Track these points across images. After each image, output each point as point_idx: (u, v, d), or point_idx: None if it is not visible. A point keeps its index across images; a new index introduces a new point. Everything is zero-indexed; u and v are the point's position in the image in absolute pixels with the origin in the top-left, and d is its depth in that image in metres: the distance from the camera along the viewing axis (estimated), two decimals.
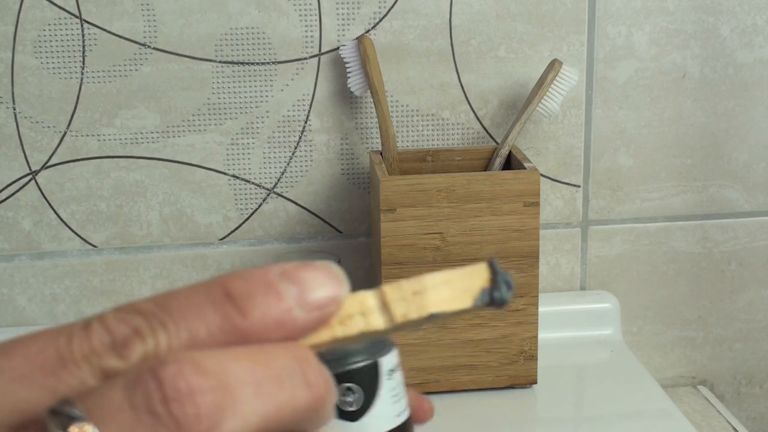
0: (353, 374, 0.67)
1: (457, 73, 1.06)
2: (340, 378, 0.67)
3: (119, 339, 0.27)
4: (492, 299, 0.30)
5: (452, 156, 1.02)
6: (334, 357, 0.61)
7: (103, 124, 1.03)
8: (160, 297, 0.28)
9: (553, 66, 1.01)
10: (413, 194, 0.92)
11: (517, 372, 0.97)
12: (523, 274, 0.95)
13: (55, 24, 1.00)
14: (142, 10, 1.01)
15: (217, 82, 1.03)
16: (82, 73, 1.01)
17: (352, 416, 0.68)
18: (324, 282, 0.29)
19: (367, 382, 0.67)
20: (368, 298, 0.30)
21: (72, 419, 0.25)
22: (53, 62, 1.01)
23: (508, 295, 0.30)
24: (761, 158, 1.11)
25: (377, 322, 0.30)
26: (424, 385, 0.97)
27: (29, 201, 1.04)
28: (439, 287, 0.30)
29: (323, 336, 0.29)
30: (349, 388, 0.68)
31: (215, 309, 0.28)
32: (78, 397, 0.26)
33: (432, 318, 0.30)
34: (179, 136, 1.04)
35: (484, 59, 1.06)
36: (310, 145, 1.06)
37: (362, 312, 0.30)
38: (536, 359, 0.97)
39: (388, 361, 0.68)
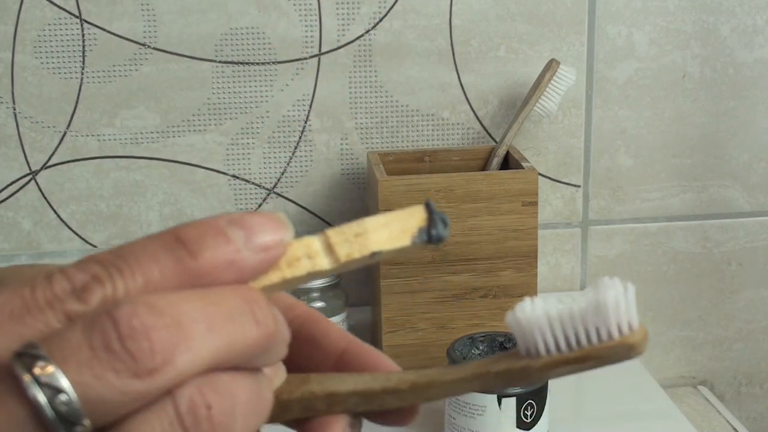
0: None
1: (457, 73, 1.06)
2: None
3: (79, 285, 0.29)
4: (429, 237, 0.32)
5: (450, 156, 1.02)
6: None
7: (103, 124, 1.03)
8: (116, 247, 0.30)
9: (551, 66, 1.01)
10: (412, 194, 0.92)
11: None
12: (521, 274, 0.95)
13: (55, 24, 1.00)
14: (142, 10, 1.01)
15: (217, 82, 1.03)
16: (82, 73, 1.02)
17: None
18: (270, 227, 0.31)
19: None
20: (313, 241, 0.32)
21: (36, 359, 0.27)
22: (53, 62, 1.01)
23: (445, 233, 0.32)
24: (761, 158, 1.11)
25: (323, 262, 0.32)
26: None
27: (29, 201, 1.04)
28: (379, 229, 0.33)
29: (273, 278, 0.31)
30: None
31: (168, 253, 0.30)
32: (41, 340, 0.28)
33: (374, 256, 0.32)
34: (179, 136, 1.04)
35: (484, 59, 1.06)
36: (310, 145, 1.06)
37: (308, 255, 0.32)
38: None
39: None
